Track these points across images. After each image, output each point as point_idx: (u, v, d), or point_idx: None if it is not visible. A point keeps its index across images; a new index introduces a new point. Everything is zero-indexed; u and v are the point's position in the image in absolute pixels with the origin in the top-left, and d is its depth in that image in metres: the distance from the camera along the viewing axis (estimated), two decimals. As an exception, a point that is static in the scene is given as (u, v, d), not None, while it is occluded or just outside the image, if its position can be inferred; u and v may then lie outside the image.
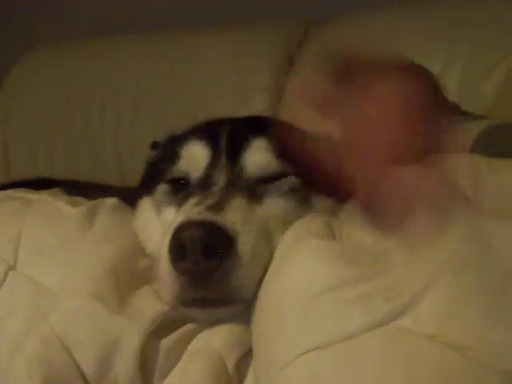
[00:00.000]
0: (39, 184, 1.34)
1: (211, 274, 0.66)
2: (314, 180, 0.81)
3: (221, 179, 0.83)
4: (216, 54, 1.92)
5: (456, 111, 1.12)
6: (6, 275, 0.79)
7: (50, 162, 2.07)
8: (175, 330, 0.71)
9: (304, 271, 0.62)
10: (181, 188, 0.88)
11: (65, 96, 2.10)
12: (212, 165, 0.85)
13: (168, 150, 0.97)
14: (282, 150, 0.85)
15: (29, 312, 0.75)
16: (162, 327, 0.70)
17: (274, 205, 0.81)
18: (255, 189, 0.82)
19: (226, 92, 1.85)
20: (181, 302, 0.70)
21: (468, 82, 1.56)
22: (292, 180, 0.84)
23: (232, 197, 0.77)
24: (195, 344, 0.70)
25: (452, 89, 1.56)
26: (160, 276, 0.72)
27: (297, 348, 0.56)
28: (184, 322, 0.72)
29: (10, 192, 1.04)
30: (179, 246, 0.67)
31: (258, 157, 0.85)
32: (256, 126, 0.92)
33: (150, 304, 0.72)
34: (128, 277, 0.76)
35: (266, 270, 0.70)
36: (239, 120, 0.97)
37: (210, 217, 0.69)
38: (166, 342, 0.69)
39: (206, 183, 0.83)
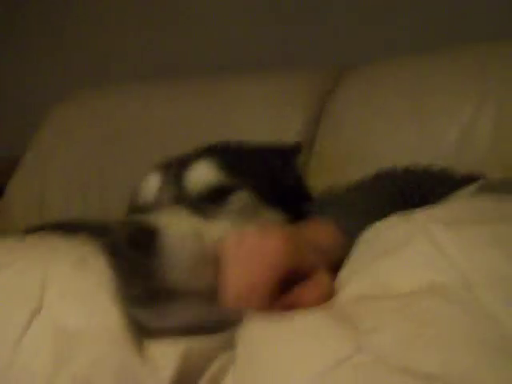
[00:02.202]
0: (70, 226, 1.35)
1: (141, 266, 0.73)
2: (268, 192, 0.90)
3: (166, 199, 0.89)
4: (249, 100, 1.95)
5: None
6: (31, 319, 0.80)
7: (84, 212, 2.08)
8: (203, 371, 0.70)
9: None
10: None
11: (100, 144, 2.11)
12: (161, 189, 0.92)
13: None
14: (230, 166, 0.92)
15: (54, 355, 0.75)
16: (188, 369, 0.70)
17: (221, 226, 0.84)
18: (200, 205, 0.86)
19: (259, 138, 1.86)
20: (127, 302, 0.76)
21: (502, 126, 1.53)
22: (241, 195, 0.88)
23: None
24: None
25: (486, 132, 1.54)
26: None
27: None
28: (210, 360, 0.72)
29: (38, 236, 1.05)
30: (111, 246, 0.75)
31: (197, 173, 0.91)
32: (206, 150, 0.99)
33: (170, 350, 0.72)
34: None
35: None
36: (194, 149, 1.02)
37: (136, 218, 0.77)
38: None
39: (156, 205, 0.89)
